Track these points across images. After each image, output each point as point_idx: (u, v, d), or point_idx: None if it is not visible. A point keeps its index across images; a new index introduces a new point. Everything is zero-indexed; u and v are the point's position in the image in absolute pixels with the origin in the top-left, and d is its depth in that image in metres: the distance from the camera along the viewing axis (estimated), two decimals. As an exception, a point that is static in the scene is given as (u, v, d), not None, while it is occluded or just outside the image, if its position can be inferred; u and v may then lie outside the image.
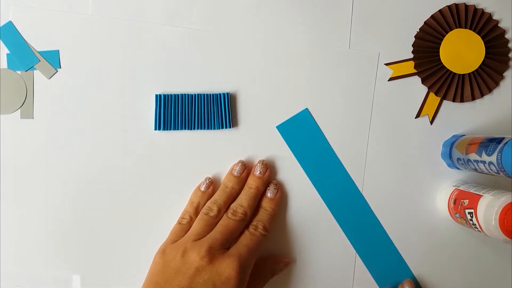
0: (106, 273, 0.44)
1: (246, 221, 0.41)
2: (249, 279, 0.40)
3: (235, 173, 0.43)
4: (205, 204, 0.43)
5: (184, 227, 0.42)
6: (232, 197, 0.43)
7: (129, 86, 0.44)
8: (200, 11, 0.44)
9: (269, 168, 0.44)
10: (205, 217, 0.41)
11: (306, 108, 0.44)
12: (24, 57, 0.43)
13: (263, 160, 0.44)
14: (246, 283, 0.38)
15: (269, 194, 0.43)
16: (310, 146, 0.44)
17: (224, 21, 0.44)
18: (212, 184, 0.43)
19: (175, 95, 0.43)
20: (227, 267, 0.37)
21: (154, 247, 0.43)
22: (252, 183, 0.43)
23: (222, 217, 0.41)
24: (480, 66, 0.45)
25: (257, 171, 0.43)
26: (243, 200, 0.42)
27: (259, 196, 0.43)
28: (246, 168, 0.43)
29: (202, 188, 0.43)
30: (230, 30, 0.44)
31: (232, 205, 0.42)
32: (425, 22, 0.45)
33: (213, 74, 0.44)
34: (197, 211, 0.42)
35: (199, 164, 0.44)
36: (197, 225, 0.41)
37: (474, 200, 0.38)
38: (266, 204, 0.43)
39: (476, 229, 0.38)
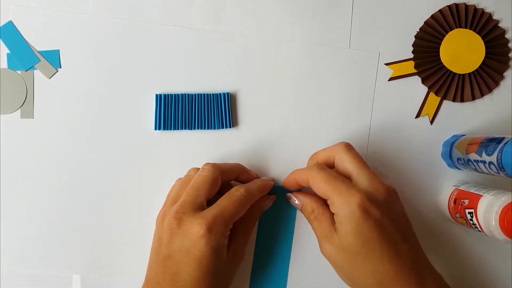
0: (106, 273, 0.44)
1: (214, 177, 0.39)
2: (238, 221, 0.39)
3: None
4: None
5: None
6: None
7: (129, 86, 0.44)
8: (200, 11, 0.44)
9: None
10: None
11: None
12: (24, 57, 0.43)
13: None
14: (225, 246, 0.37)
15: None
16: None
17: (224, 21, 0.44)
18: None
19: (175, 95, 0.43)
20: (194, 228, 0.35)
21: (154, 247, 0.43)
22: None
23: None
24: (480, 66, 0.45)
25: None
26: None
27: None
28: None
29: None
30: (230, 30, 0.44)
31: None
32: (425, 22, 0.45)
33: (213, 74, 0.44)
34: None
35: (199, 164, 0.44)
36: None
37: (474, 200, 0.38)
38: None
39: (476, 229, 0.38)
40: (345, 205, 0.36)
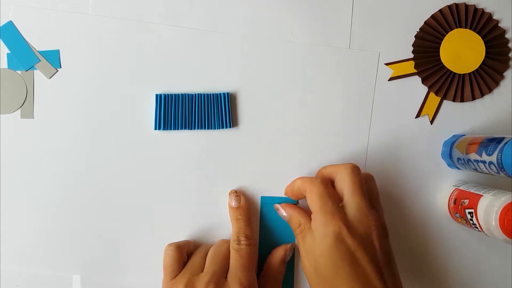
0: (106, 273, 0.44)
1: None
2: (267, 280, 0.40)
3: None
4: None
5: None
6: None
7: (129, 86, 0.44)
8: (200, 11, 0.44)
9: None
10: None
11: None
12: (25, 56, 0.43)
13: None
14: None
15: (233, 203, 0.43)
16: None
17: (224, 21, 0.44)
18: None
19: (175, 95, 0.43)
20: None
21: (154, 247, 0.43)
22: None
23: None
24: (480, 66, 0.45)
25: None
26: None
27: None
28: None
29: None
30: (230, 30, 0.44)
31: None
32: (425, 22, 0.45)
33: (213, 74, 0.44)
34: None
35: (199, 164, 0.44)
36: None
37: (474, 200, 0.38)
38: (236, 214, 0.42)
39: (476, 229, 0.38)
40: (323, 226, 0.35)
